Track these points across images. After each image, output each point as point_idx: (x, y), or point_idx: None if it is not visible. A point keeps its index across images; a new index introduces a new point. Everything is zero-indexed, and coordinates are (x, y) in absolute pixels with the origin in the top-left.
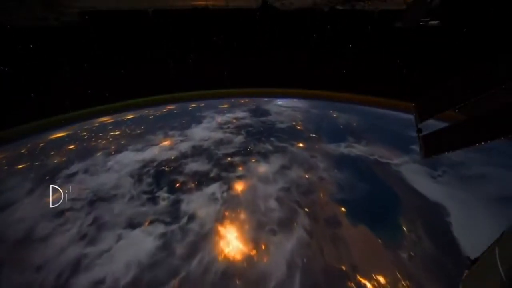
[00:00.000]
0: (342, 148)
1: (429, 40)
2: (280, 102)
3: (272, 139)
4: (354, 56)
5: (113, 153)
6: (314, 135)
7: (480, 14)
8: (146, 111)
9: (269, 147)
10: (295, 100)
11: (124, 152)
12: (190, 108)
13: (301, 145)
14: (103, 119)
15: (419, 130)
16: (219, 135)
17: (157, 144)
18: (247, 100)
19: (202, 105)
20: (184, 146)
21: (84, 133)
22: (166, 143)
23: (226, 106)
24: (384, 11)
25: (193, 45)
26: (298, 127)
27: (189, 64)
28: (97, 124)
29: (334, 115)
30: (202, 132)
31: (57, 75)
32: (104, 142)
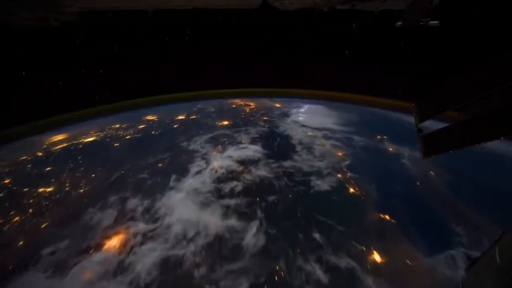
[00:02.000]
0: None
1: (429, 40)
2: (300, 117)
3: (316, 236)
4: (354, 55)
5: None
6: (387, 218)
7: (480, 14)
8: (117, 125)
9: (320, 274)
10: (313, 108)
11: (30, 275)
12: (175, 126)
13: (378, 258)
14: (57, 137)
15: (419, 130)
16: (216, 220)
17: (98, 249)
18: (252, 105)
19: (193, 117)
20: (145, 266)
21: (6, 181)
22: (114, 244)
23: (226, 123)
24: (384, 11)
25: (192, 45)
26: (351, 189)
27: (188, 64)
28: (39, 153)
29: (390, 149)
30: (186, 208)
31: (57, 75)
32: (17, 219)
